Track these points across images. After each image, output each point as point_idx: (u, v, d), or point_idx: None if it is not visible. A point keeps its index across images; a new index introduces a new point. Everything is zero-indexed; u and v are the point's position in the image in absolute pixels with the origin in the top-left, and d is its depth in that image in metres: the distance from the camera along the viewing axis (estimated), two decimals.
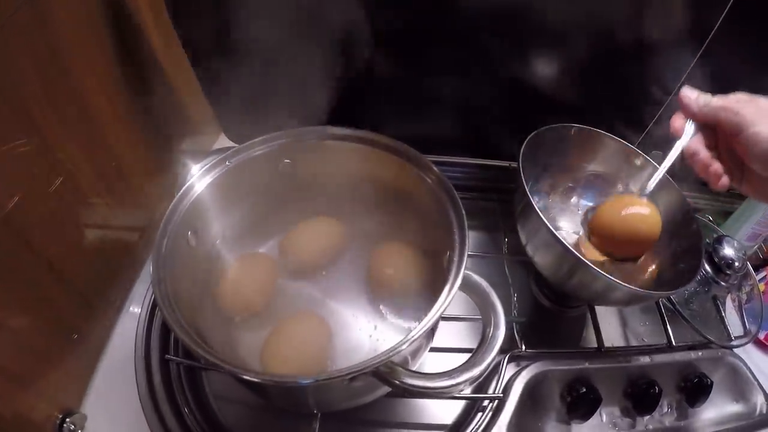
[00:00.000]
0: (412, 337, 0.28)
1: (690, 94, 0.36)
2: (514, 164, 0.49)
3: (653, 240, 0.41)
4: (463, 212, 0.34)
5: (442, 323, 0.38)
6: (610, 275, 0.37)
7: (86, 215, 0.42)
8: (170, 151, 0.55)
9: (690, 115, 0.36)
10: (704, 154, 0.35)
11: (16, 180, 0.33)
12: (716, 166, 0.35)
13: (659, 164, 0.48)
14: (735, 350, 0.48)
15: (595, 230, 0.43)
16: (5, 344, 0.34)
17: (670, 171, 0.40)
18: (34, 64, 0.34)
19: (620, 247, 0.42)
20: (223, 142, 0.58)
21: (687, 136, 0.36)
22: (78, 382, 0.43)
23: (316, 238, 0.44)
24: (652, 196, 0.47)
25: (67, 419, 0.40)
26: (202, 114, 0.56)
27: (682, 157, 0.38)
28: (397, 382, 0.29)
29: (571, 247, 0.39)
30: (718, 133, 0.36)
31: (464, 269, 0.31)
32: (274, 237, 0.45)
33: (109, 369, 0.45)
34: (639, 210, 0.40)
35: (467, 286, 0.32)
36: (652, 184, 0.41)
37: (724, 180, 0.35)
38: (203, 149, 0.59)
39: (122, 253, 0.48)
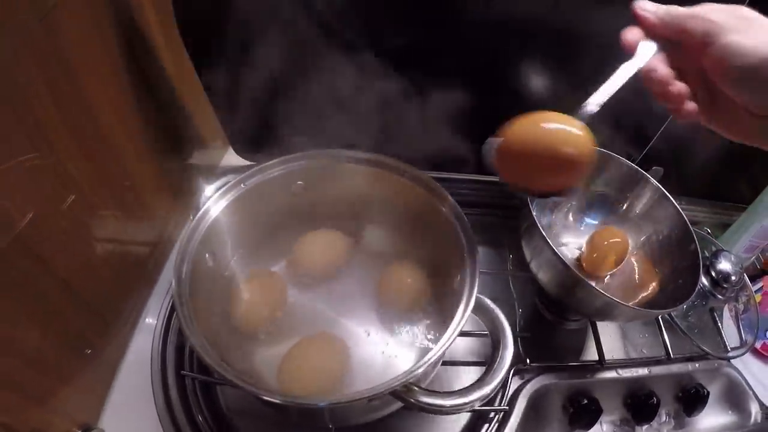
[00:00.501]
0: (428, 360, 0.30)
1: (647, 6, 0.29)
2: None
3: (582, 168, 0.29)
4: (474, 238, 0.35)
5: None
6: (611, 293, 0.39)
7: (98, 231, 0.43)
8: (179, 166, 0.56)
9: (648, 26, 0.29)
10: (664, 70, 0.28)
11: (29, 196, 0.33)
12: (679, 86, 0.28)
13: (658, 181, 0.50)
14: (731, 361, 0.50)
15: (503, 151, 0.30)
16: (20, 361, 0.34)
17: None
18: (46, 81, 0.34)
19: (534, 174, 0.30)
20: (232, 157, 0.58)
21: (646, 54, 0.28)
22: (95, 398, 0.44)
23: (322, 247, 0.45)
24: (650, 214, 0.48)
25: None
26: (210, 129, 0.57)
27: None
28: (413, 400, 0.30)
29: (573, 268, 0.41)
30: (685, 50, 0.28)
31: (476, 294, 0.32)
32: (285, 256, 0.46)
33: (125, 384, 0.45)
34: (565, 127, 0.28)
35: (478, 309, 0.33)
36: (590, 106, 0.29)
37: (690, 105, 0.28)
38: (212, 164, 0.60)
39: (133, 268, 0.49)
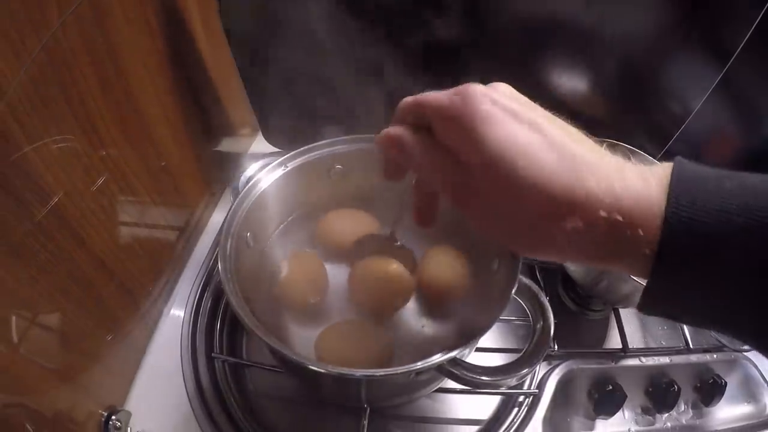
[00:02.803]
0: (476, 337, 0.30)
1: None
2: None
3: (404, 298, 0.41)
4: None
5: None
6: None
7: (134, 212, 0.43)
8: (210, 151, 0.57)
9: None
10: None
11: (67, 172, 0.34)
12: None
13: None
14: (746, 353, 0.51)
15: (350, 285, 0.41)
16: (50, 336, 0.35)
17: None
18: (92, 62, 0.35)
19: (373, 305, 0.41)
20: (260, 144, 0.59)
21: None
22: (122, 379, 0.44)
23: (350, 221, 0.44)
24: None
25: (113, 417, 0.41)
26: (241, 115, 0.58)
27: None
28: (458, 374, 0.31)
29: None
30: None
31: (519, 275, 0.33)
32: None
33: (153, 366, 0.45)
34: (388, 274, 0.40)
35: (519, 289, 0.34)
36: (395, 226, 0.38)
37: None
38: (241, 150, 0.60)
39: (164, 251, 0.49)
